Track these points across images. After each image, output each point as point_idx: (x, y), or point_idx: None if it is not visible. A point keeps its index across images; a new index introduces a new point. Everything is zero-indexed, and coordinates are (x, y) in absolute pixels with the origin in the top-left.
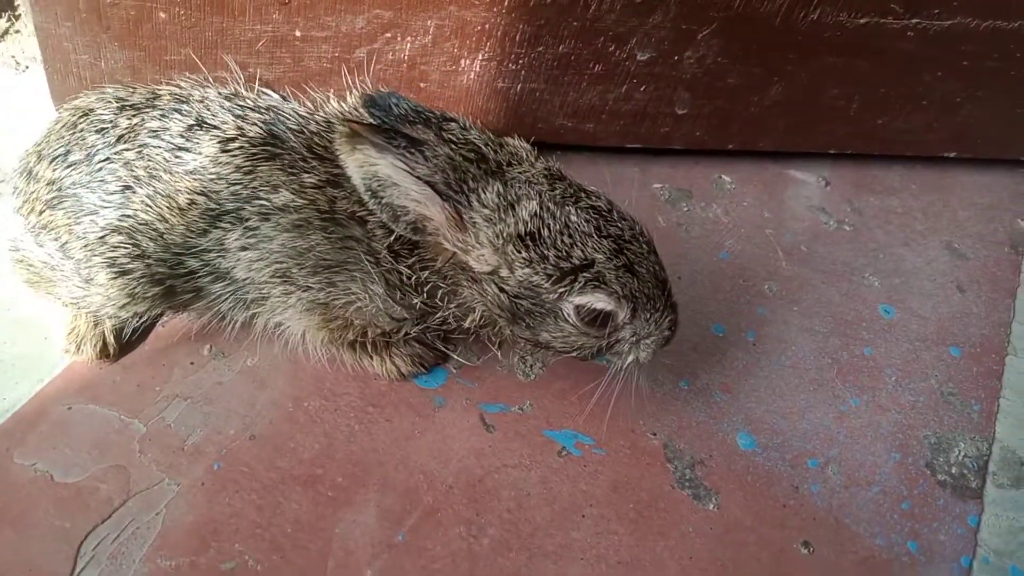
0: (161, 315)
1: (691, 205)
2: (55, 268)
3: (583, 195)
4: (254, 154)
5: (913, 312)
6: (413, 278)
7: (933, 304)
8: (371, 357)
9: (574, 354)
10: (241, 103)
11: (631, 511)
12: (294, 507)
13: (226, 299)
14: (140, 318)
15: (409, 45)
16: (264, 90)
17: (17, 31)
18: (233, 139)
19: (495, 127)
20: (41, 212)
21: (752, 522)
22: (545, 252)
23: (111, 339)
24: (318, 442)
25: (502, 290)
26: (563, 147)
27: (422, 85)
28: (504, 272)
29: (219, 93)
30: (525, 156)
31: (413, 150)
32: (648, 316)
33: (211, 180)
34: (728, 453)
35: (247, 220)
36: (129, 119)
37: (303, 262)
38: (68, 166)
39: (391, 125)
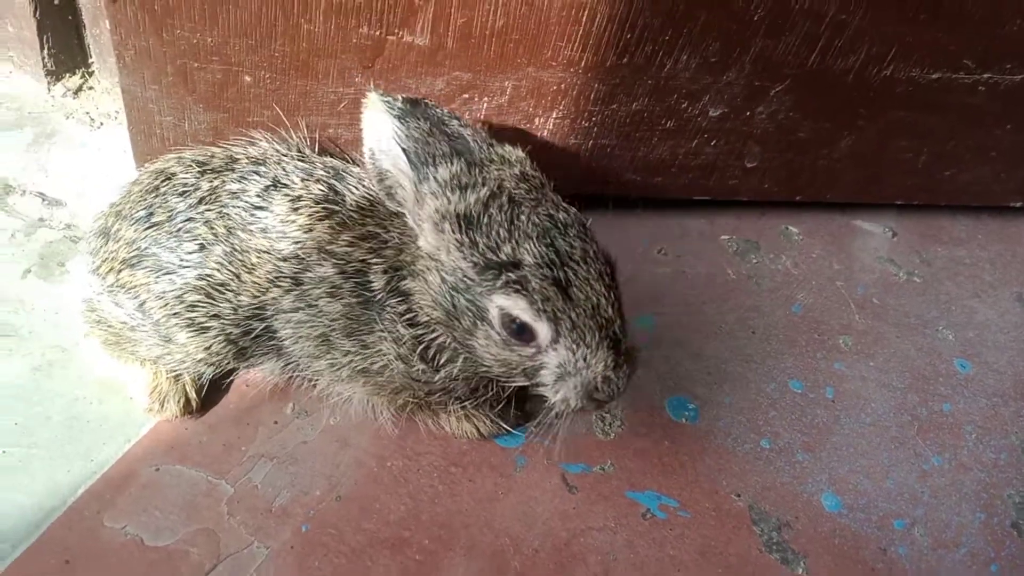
0: (238, 369)
1: (760, 257)
2: (135, 328)
3: (549, 204)
4: (314, 212)
5: (989, 366)
6: (406, 340)
7: (1008, 358)
8: (437, 416)
9: (505, 376)
10: (311, 164)
11: None
12: (383, 572)
13: (290, 364)
14: (220, 372)
15: (486, 105)
16: (332, 155)
17: (91, 87)
18: (300, 197)
19: (564, 182)
20: (120, 272)
21: None
22: (476, 238)
23: (193, 394)
24: (403, 503)
25: (443, 280)
26: (631, 201)
27: None
28: (443, 255)
29: (293, 156)
30: (514, 160)
31: (406, 119)
32: (574, 348)
33: (278, 238)
34: (814, 515)
35: (303, 284)
36: (210, 182)
37: (337, 326)
38: (149, 227)
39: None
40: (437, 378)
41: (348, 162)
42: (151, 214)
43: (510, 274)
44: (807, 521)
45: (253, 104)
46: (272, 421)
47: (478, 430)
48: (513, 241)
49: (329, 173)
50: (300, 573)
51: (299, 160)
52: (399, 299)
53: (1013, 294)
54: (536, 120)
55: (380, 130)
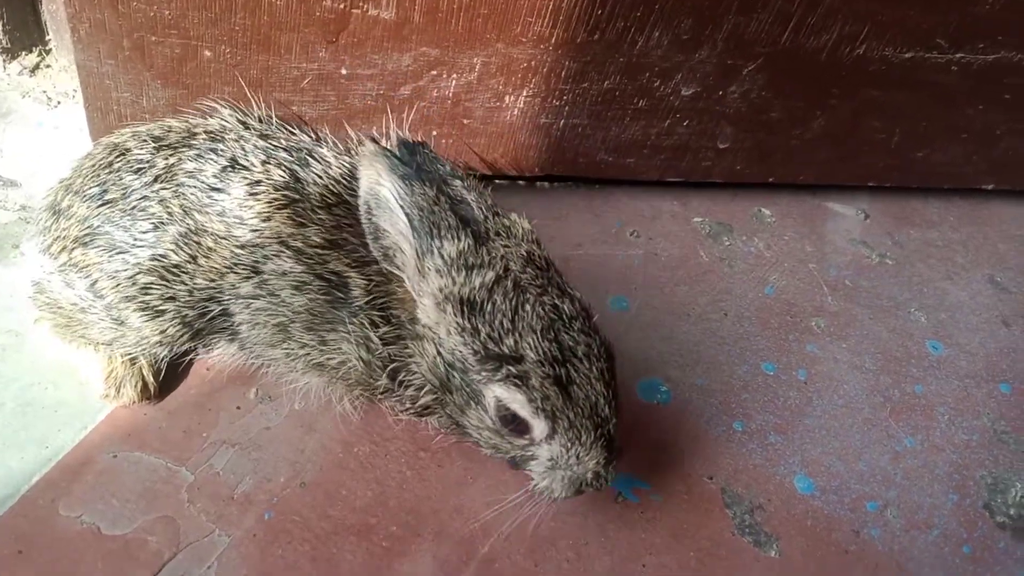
0: (196, 351)
1: (732, 239)
2: (86, 310)
3: (555, 292)
4: (273, 199)
5: (961, 348)
6: (378, 351)
7: (980, 339)
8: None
9: (493, 453)
10: (274, 143)
11: (692, 559)
12: (349, 558)
13: (245, 349)
14: (176, 354)
15: (454, 82)
16: (295, 130)
17: (48, 66)
18: (259, 182)
19: (536, 162)
20: (72, 250)
21: (815, 569)
22: (479, 326)
23: (151, 379)
24: (370, 489)
25: (439, 353)
26: (603, 181)
27: (465, 122)
28: (443, 333)
29: (253, 132)
30: (520, 235)
31: (411, 182)
32: (569, 446)
33: (235, 223)
34: (787, 497)
35: (262, 273)
36: (166, 159)
37: (299, 319)
38: (102, 204)
39: (408, 160)
40: (396, 394)
41: (315, 140)
42: (105, 191)
43: (511, 367)
44: (780, 503)
45: (213, 80)
46: (234, 406)
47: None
48: (517, 334)
49: (292, 156)
50: (263, 561)
51: (260, 137)
52: (381, 316)
53: (984, 276)
54: (506, 98)
55: (379, 189)
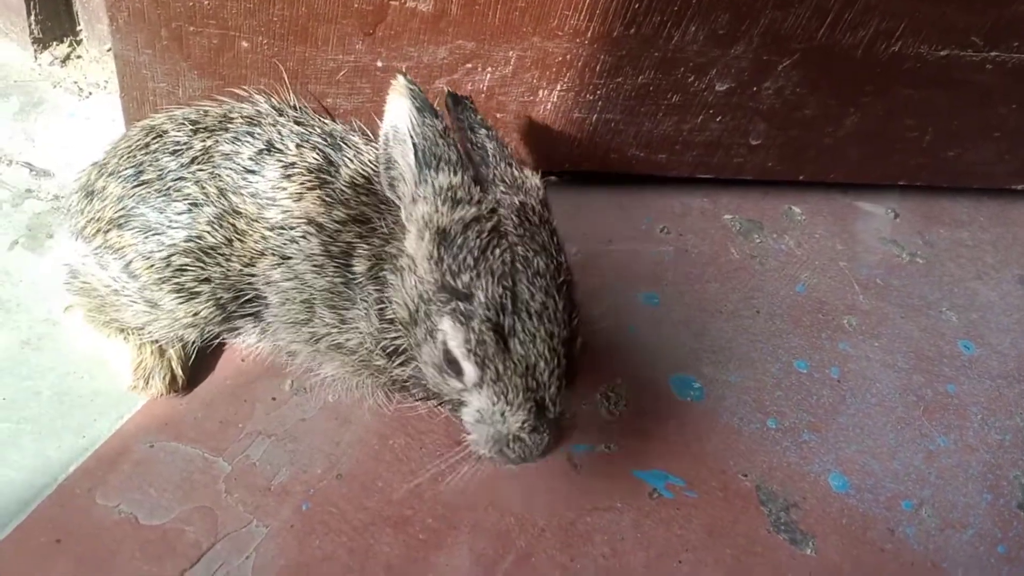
0: (222, 342)
1: (763, 237)
2: (119, 292)
3: (532, 246)
4: (305, 180)
5: (992, 348)
6: (374, 327)
7: (1011, 339)
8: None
9: (436, 399)
10: (308, 128)
11: (728, 557)
12: (386, 550)
13: (268, 333)
14: (205, 339)
15: (489, 76)
16: (327, 119)
17: (79, 56)
18: (293, 164)
19: (567, 157)
20: (107, 232)
21: (851, 568)
22: (444, 257)
23: (179, 370)
24: (406, 481)
25: (414, 285)
26: (632, 177)
27: (499, 116)
28: (419, 261)
29: (289, 117)
30: (526, 188)
31: (424, 113)
32: (495, 399)
33: (267, 204)
34: (822, 495)
35: (290, 258)
36: (203, 141)
37: (320, 297)
38: (138, 184)
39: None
40: (394, 373)
41: (349, 129)
42: (140, 172)
43: (460, 303)
44: (815, 501)
45: (250, 71)
46: (270, 397)
47: None
48: (475, 272)
49: (326, 141)
50: (301, 552)
51: (295, 123)
52: (377, 288)
53: (1015, 276)
54: (540, 92)
55: (398, 117)
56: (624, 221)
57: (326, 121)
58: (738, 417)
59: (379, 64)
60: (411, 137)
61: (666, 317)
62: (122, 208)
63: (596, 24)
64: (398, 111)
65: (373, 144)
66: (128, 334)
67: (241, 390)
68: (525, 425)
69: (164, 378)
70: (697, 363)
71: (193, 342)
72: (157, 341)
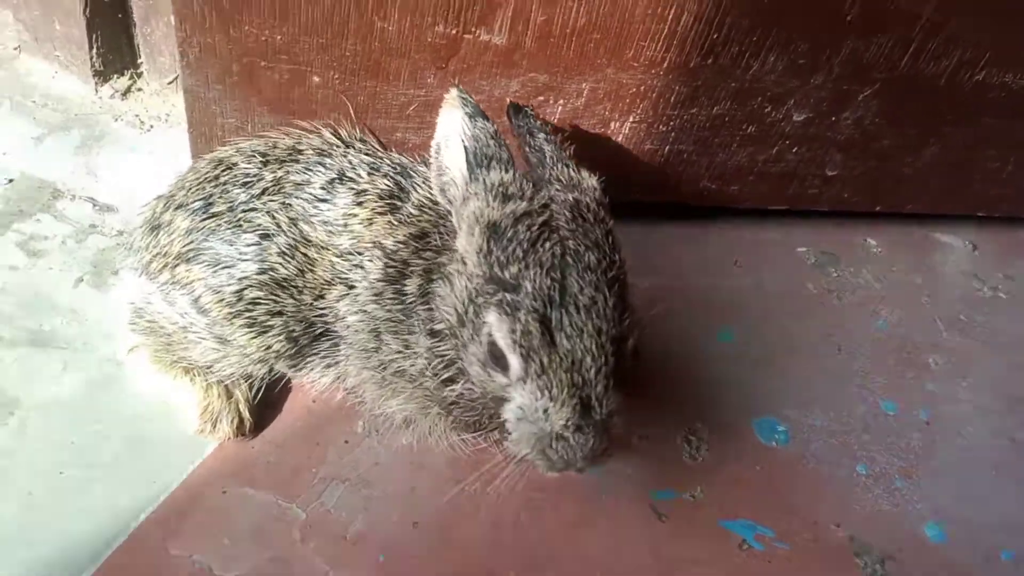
0: (289, 382)
1: (839, 270)
2: (187, 328)
3: (585, 241)
4: (376, 206)
5: None
6: (425, 346)
7: None
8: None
9: (480, 403)
10: (378, 159)
11: None
12: None
13: (334, 367)
14: (270, 379)
15: (560, 108)
16: (395, 155)
17: (139, 89)
18: (365, 191)
19: (638, 189)
20: (175, 267)
21: None
22: (494, 249)
23: (247, 413)
24: (485, 531)
25: (464, 286)
26: (702, 209)
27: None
28: (469, 259)
29: (358, 149)
30: (582, 187)
31: (475, 118)
32: (538, 394)
33: (338, 232)
34: (918, 546)
35: (354, 287)
36: (274, 172)
37: (384, 327)
38: (208, 217)
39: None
40: (444, 393)
41: (416, 161)
42: (210, 204)
43: (507, 294)
44: (911, 553)
45: (320, 106)
46: (342, 440)
47: None
48: (523, 263)
49: (395, 169)
50: None
51: (365, 153)
52: (426, 307)
53: None
54: (612, 124)
55: (450, 125)
56: (695, 254)
57: (392, 154)
58: (826, 463)
59: None
60: (463, 139)
61: (744, 355)
62: (191, 241)
63: (673, 55)
64: (450, 120)
65: None
66: (195, 375)
67: (313, 432)
68: (569, 423)
69: (232, 421)
70: (779, 405)
71: (260, 382)
72: (223, 381)
